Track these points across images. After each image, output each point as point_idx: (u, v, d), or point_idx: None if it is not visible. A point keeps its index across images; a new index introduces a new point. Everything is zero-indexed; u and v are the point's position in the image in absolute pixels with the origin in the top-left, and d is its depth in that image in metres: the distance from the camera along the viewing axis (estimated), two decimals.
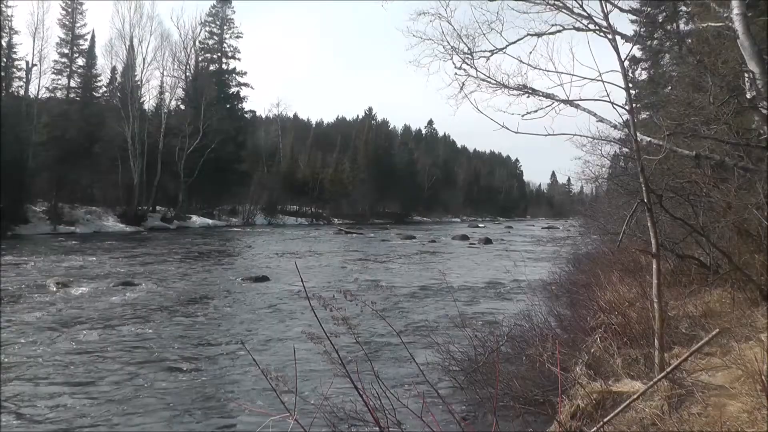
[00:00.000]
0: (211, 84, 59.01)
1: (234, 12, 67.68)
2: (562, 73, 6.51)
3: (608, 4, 6.26)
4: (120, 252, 26.32)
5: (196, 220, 52.34)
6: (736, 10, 6.92)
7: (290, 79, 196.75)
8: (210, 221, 53.59)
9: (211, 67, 64.40)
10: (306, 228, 59.83)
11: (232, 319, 12.76)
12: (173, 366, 9.03)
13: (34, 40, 43.63)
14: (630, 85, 6.75)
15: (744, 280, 7.58)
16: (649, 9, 14.74)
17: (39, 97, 45.12)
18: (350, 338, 3.28)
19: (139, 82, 51.65)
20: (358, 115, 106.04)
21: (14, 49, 44.24)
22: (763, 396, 4.10)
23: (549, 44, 7.29)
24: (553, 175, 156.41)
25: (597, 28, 6.42)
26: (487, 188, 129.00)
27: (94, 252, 25.89)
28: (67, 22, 49.18)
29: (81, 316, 12.29)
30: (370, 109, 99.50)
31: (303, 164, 78.73)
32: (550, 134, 6.61)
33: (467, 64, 8.44)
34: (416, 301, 15.32)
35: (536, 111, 7.34)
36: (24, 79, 43.95)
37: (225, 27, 65.00)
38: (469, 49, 8.53)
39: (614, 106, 5.77)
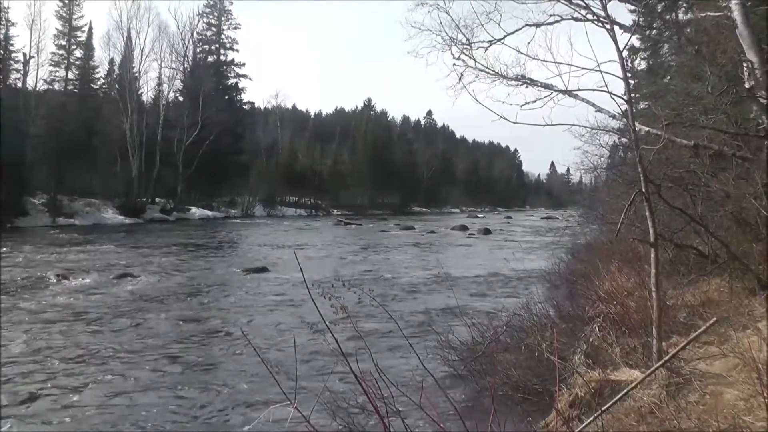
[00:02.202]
0: (210, 75, 58.76)
1: (232, 3, 67.61)
2: (561, 63, 6.51)
3: None
4: (119, 244, 26.34)
5: (195, 211, 52.30)
6: (735, 0, 6.91)
7: (289, 71, 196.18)
8: (209, 213, 53.59)
9: (209, 59, 64.18)
10: (305, 219, 59.86)
11: (232, 309, 12.79)
12: (173, 356, 9.06)
13: (31, 32, 43.55)
14: (628, 75, 6.75)
15: (742, 270, 7.60)
16: None
17: (37, 89, 45.10)
18: (350, 327, 3.31)
19: (137, 74, 51.58)
20: (356, 106, 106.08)
21: (11, 41, 44.09)
22: (760, 384, 4.13)
23: (547, 35, 7.30)
24: (552, 165, 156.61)
25: (595, 18, 6.41)
26: (487, 179, 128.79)
27: (94, 244, 25.89)
28: (64, 14, 48.90)
29: (81, 308, 12.32)
30: (368, 100, 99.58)
31: (302, 155, 78.64)
32: (548, 124, 6.63)
33: (465, 55, 8.46)
34: (415, 292, 15.35)
35: (535, 101, 7.35)
36: (21, 72, 43.85)
37: (223, 18, 64.77)
38: (467, 39, 8.55)
39: (612, 96, 5.77)
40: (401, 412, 3.17)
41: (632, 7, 12.49)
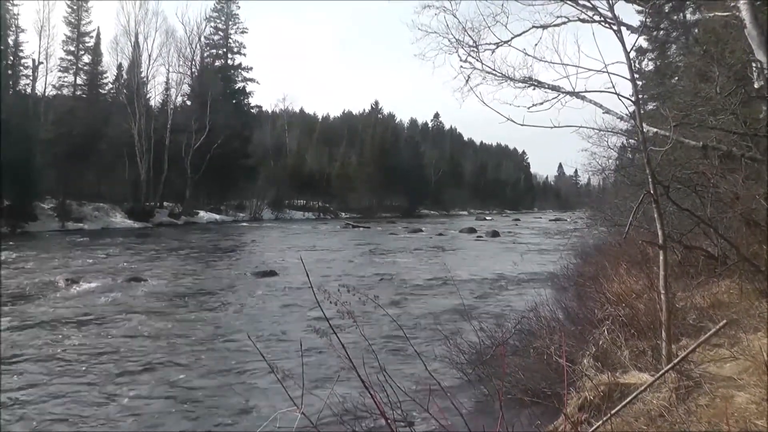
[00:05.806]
0: (217, 80, 58.95)
1: (239, 7, 67.69)
2: (568, 65, 6.49)
3: None
4: (128, 248, 26.44)
5: (204, 215, 52.44)
6: None
7: (296, 74, 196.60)
8: (217, 216, 53.72)
9: (217, 63, 64.47)
10: (313, 222, 59.92)
11: (239, 313, 12.80)
12: (180, 359, 9.07)
13: (40, 38, 44.03)
14: (636, 76, 6.71)
15: (752, 271, 7.55)
16: None
17: (46, 94, 45.50)
18: (357, 332, 3.29)
19: (144, 79, 51.79)
20: (364, 109, 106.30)
21: (21, 48, 44.48)
22: None
23: (554, 36, 7.28)
24: (560, 167, 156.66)
25: (602, 19, 6.40)
26: (494, 181, 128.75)
27: (103, 248, 25.99)
28: (72, 20, 49.29)
29: (90, 312, 12.35)
30: (376, 103, 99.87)
31: (309, 158, 78.77)
32: (556, 126, 6.61)
33: (472, 57, 8.46)
34: (424, 295, 15.32)
35: (542, 103, 7.34)
36: (31, 77, 44.21)
37: (230, 23, 65.08)
38: (474, 41, 8.54)
39: (620, 97, 5.75)
40: (409, 417, 3.16)
41: (639, 8, 12.43)
